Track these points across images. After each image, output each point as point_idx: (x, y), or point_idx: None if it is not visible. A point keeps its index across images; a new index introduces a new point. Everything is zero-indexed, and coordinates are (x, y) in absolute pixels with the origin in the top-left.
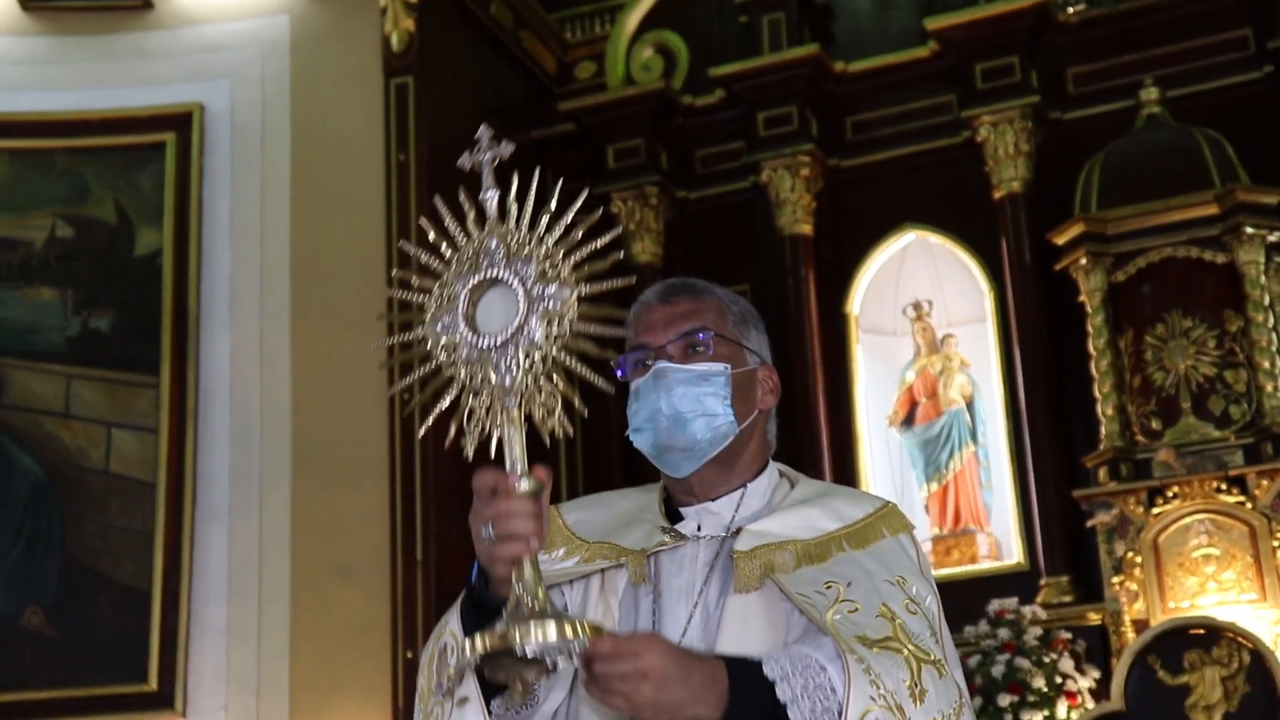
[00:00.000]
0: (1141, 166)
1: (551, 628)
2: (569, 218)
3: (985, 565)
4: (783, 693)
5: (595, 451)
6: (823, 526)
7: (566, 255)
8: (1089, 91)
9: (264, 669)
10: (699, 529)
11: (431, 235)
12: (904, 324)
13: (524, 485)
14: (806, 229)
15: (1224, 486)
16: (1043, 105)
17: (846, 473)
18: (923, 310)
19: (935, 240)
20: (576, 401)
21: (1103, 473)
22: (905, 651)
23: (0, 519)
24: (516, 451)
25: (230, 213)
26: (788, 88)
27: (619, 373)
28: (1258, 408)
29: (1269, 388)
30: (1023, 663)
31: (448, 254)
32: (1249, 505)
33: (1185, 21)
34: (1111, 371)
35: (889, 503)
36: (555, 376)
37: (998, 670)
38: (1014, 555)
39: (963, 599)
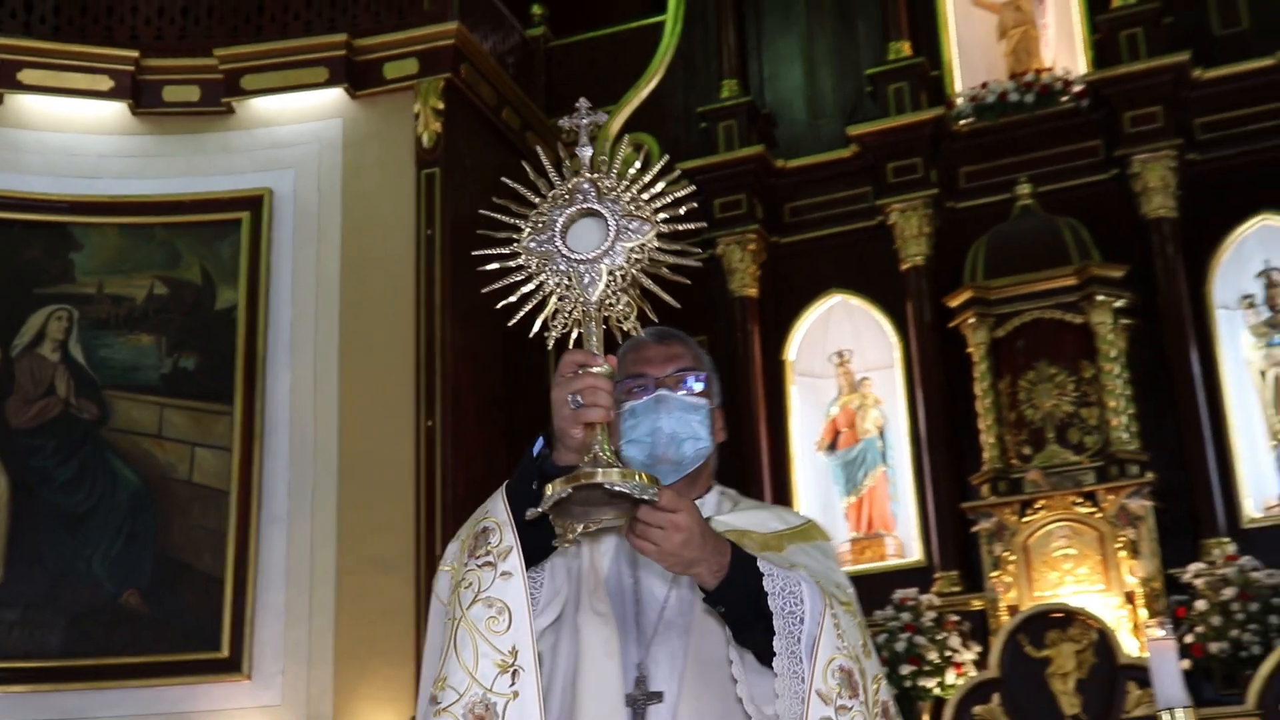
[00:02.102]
0: (1017, 246)
1: (620, 473)
2: (654, 174)
3: (892, 562)
4: (768, 584)
5: None
6: (773, 526)
7: (651, 200)
8: (976, 186)
9: (314, 642)
10: None
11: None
12: (829, 368)
13: (604, 368)
14: (753, 292)
15: (1079, 500)
16: (940, 197)
17: (783, 487)
18: (844, 358)
19: (855, 302)
20: (647, 310)
21: (985, 489)
22: (859, 618)
23: (107, 520)
24: (595, 344)
25: (292, 276)
26: (738, 180)
27: (634, 392)
28: (1106, 438)
29: (1114, 422)
30: (920, 640)
31: (545, 192)
32: (1099, 515)
33: (1051, 133)
34: (993, 408)
35: (812, 519)
36: (630, 291)
37: (900, 646)
38: (915, 554)
39: (873, 589)
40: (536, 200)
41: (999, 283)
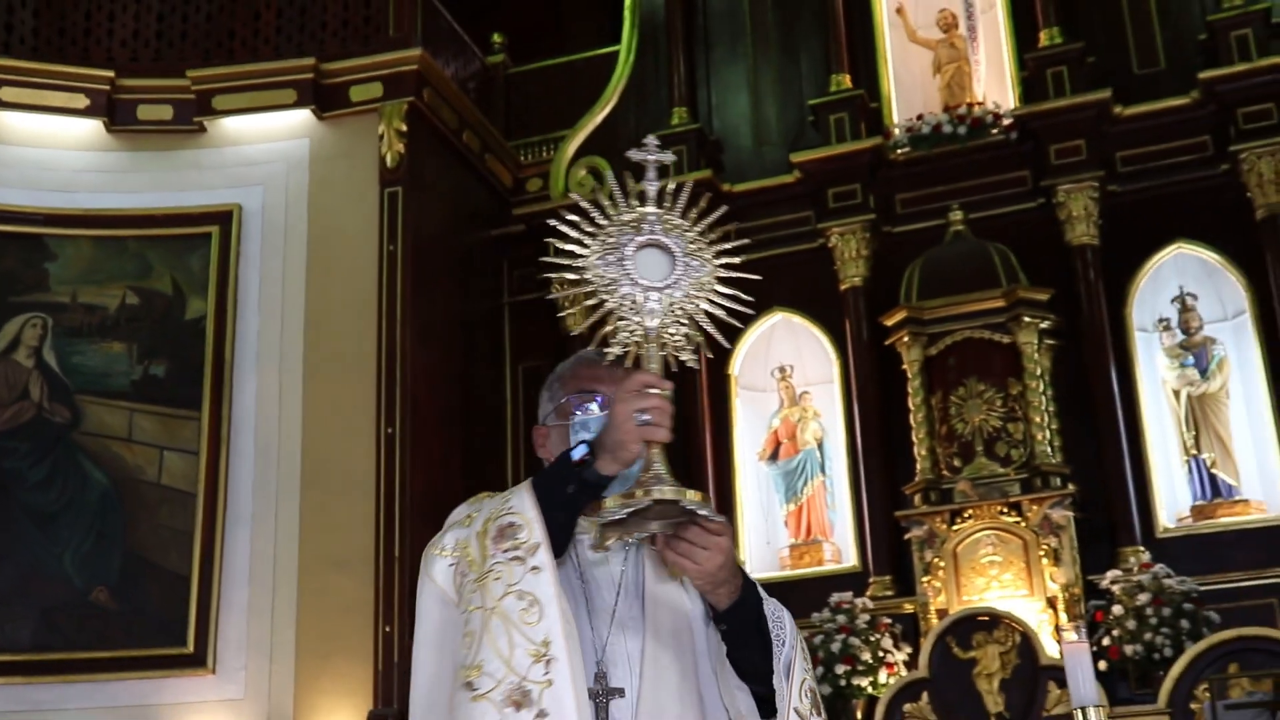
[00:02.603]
0: (949, 269)
1: (676, 490)
2: (711, 220)
3: (829, 567)
4: (766, 607)
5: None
6: None
7: (710, 244)
8: (911, 212)
9: (276, 638)
10: None
11: (605, 202)
12: (772, 383)
13: (668, 391)
14: None
15: (1005, 510)
16: (878, 221)
17: (727, 496)
18: (786, 373)
19: (796, 320)
20: (700, 343)
21: (917, 498)
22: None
23: (77, 519)
24: (656, 366)
25: (259, 288)
26: None
27: (585, 406)
28: (1031, 452)
29: (1039, 437)
30: (855, 641)
31: (611, 215)
32: (1023, 524)
33: (982, 164)
34: (925, 422)
35: None
36: (686, 324)
37: (836, 646)
38: (851, 559)
39: (811, 592)
40: (603, 222)
41: (932, 304)
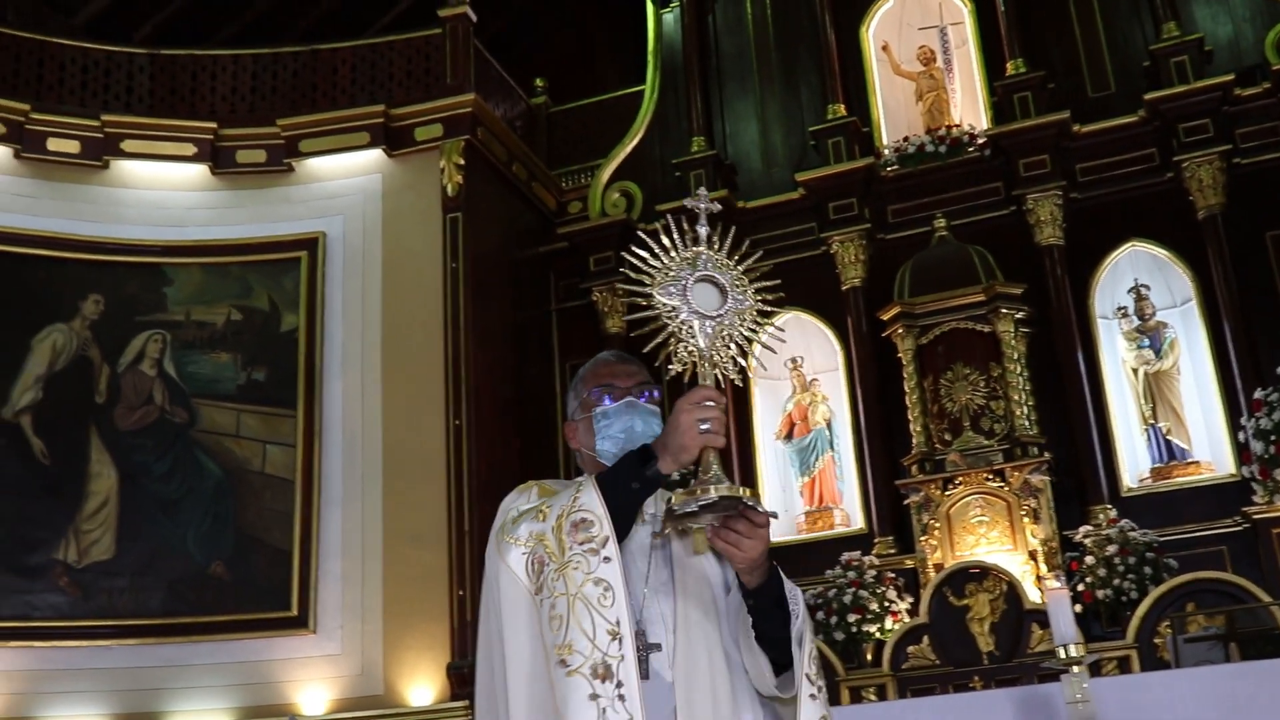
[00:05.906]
0: (935, 269)
1: (733, 487)
2: (750, 261)
3: (839, 530)
4: (786, 586)
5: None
6: None
7: (751, 281)
8: (901, 221)
9: (366, 602)
10: None
11: (665, 240)
12: (785, 372)
13: (722, 403)
14: None
15: (990, 477)
16: (872, 230)
17: (749, 472)
18: (798, 363)
19: (805, 317)
20: (746, 365)
21: (915, 468)
22: None
23: (196, 504)
24: (711, 382)
25: (342, 303)
26: (707, 219)
27: (605, 399)
28: (1011, 425)
29: (1017, 412)
30: (864, 594)
31: (671, 253)
32: (1006, 489)
33: (954, 178)
34: (919, 402)
35: None
36: (731, 347)
37: (848, 599)
38: (858, 523)
39: (824, 553)
40: (665, 260)
41: (922, 300)
